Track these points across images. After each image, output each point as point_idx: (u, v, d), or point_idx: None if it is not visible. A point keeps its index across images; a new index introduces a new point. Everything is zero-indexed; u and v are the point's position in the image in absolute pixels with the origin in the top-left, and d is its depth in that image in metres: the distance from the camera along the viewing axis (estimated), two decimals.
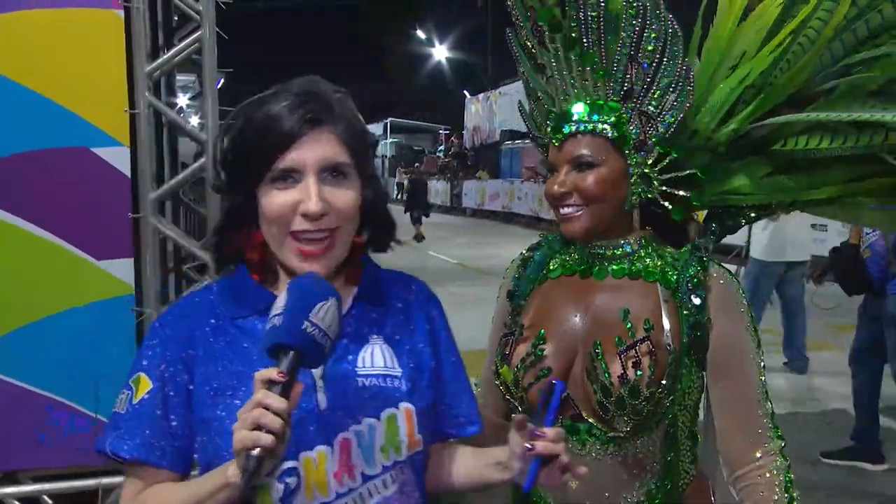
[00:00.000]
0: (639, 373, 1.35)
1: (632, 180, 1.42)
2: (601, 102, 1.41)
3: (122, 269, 2.97)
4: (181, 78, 3.38)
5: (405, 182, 19.24)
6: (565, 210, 1.42)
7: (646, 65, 1.38)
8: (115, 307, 2.95)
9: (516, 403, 1.45)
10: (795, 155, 1.43)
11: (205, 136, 3.02)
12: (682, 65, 1.37)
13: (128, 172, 2.96)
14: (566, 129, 1.42)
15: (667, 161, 1.41)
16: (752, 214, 1.52)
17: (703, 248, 1.46)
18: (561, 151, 1.43)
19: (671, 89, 1.38)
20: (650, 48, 1.37)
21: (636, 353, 1.36)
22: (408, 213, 16.99)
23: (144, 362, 1.20)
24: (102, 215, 2.93)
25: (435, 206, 27.30)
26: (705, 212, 1.54)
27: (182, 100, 8.03)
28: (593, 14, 1.38)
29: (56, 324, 2.89)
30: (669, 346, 1.37)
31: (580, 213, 1.41)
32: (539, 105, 1.53)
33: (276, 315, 1.06)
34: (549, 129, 1.45)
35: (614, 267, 1.45)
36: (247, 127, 1.17)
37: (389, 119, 36.86)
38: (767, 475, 1.39)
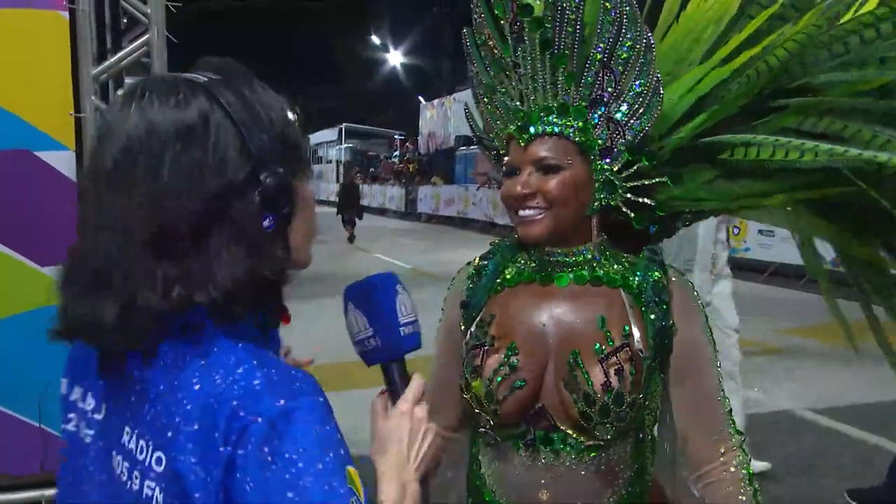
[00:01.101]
0: (621, 379, 1.36)
1: (596, 186, 1.41)
2: (570, 105, 1.41)
3: None
4: (131, 81, 3.32)
5: (337, 187, 19.32)
6: (526, 212, 1.40)
7: (618, 72, 1.38)
8: None
9: (489, 418, 1.43)
10: (741, 164, 1.44)
11: None
12: (654, 75, 1.38)
13: (73, 177, 2.91)
14: (532, 130, 1.41)
15: (634, 169, 1.41)
16: (689, 219, 1.54)
17: (659, 253, 1.48)
18: (525, 152, 1.41)
19: (641, 98, 1.38)
20: (623, 56, 1.37)
21: (618, 359, 1.37)
22: (339, 216, 17.58)
23: (342, 451, 0.90)
24: (46, 221, 2.87)
25: (389, 212, 27.36)
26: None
27: None
28: (570, 17, 1.38)
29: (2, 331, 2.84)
30: (642, 352, 1.39)
31: (541, 216, 1.40)
32: (493, 106, 1.51)
33: (366, 337, 1.09)
34: (513, 129, 1.44)
35: (575, 274, 1.44)
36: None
37: (344, 124, 36.78)
38: (732, 470, 1.42)
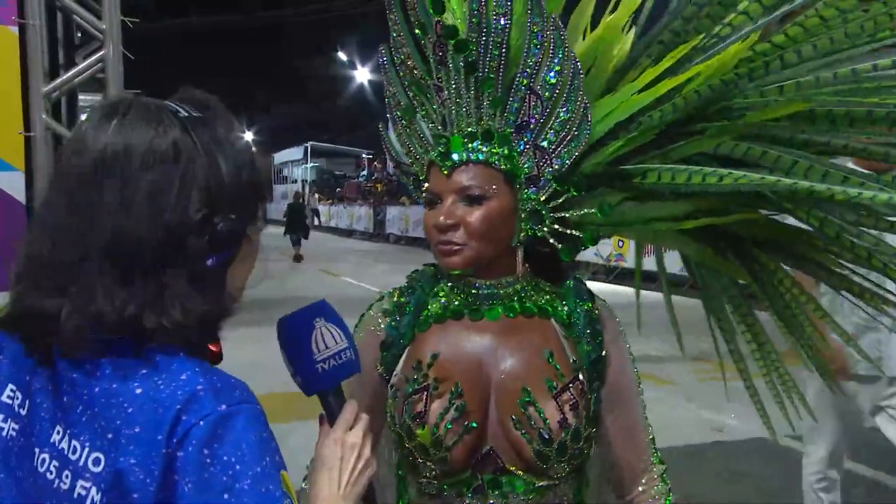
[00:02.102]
0: (577, 415, 1.35)
1: (521, 216, 1.39)
2: (495, 131, 1.38)
3: None
4: (87, 98, 3.25)
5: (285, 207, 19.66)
6: (448, 244, 1.37)
7: (545, 98, 1.37)
8: None
9: (434, 467, 1.39)
10: (655, 188, 1.44)
11: None
12: (582, 102, 1.37)
13: (23, 200, 2.85)
14: (456, 157, 1.38)
15: (562, 199, 1.40)
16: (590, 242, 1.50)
17: (582, 281, 1.48)
18: (449, 180, 1.38)
19: (569, 125, 1.37)
20: (551, 81, 1.36)
21: (571, 394, 1.36)
22: (287, 236, 18.09)
23: (277, 458, 0.97)
24: None
25: (357, 233, 27.29)
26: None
27: None
28: (496, 40, 1.36)
29: None
30: (583, 383, 1.38)
31: (463, 248, 1.36)
32: (412, 130, 1.49)
33: (292, 374, 1.11)
34: (436, 156, 1.40)
35: (506, 306, 1.42)
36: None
37: (310, 143, 36.71)
38: (651, 500, 1.46)
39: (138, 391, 0.92)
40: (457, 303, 1.44)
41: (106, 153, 0.93)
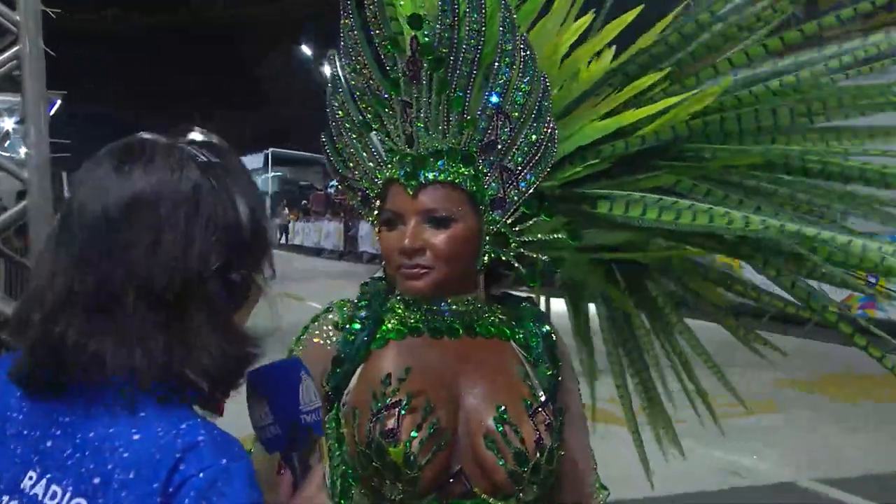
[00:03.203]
0: (552, 435, 1.45)
1: (486, 239, 1.49)
2: (459, 151, 1.47)
3: None
4: (4, 99, 3.16)
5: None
6: (412, 268, 1.45)
7: (513, 118, 1.46)
8: None
9: (402, 488, 1.44)
10: (605, 217, 1.55)
11: (26, 174, 2.81)
12: (550, 124, 1.46)
13: None
14: (422, 177, 1.46)
15: (530, 223, 1.50)
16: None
17: (535, 303, 1.62)
18: (414, 201, 1.46)
19: (536, 147, 1.46)
20: (520, 102, 1.46)
21: (546, 414, 1.46)
22: None
23: None
24: None
25: (325, 252, 27.12)
26: None
27: (7, 123, 7.54)
28: (467, 56, 1.46)
29: None
30: (542, 405, 1.48)
31: (430, 271, 1.45)
32: (363, 144, 1.57)
33: (267, 425, 1.16)
34: (400, 174, 1.47)
35: (465, 325, 1.52)
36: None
37: (270, 150, 36.52)
38: None
39: (136, 437, 1.00)
40: (414, 319, 1.52)
41: (136, 197, 1.04)
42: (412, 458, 1.41)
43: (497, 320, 1.54)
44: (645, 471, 2.05)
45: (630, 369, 1.89)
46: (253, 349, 1.10)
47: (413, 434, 1.42)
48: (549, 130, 1.46)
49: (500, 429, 1.43)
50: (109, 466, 0.99)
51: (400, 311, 1.53)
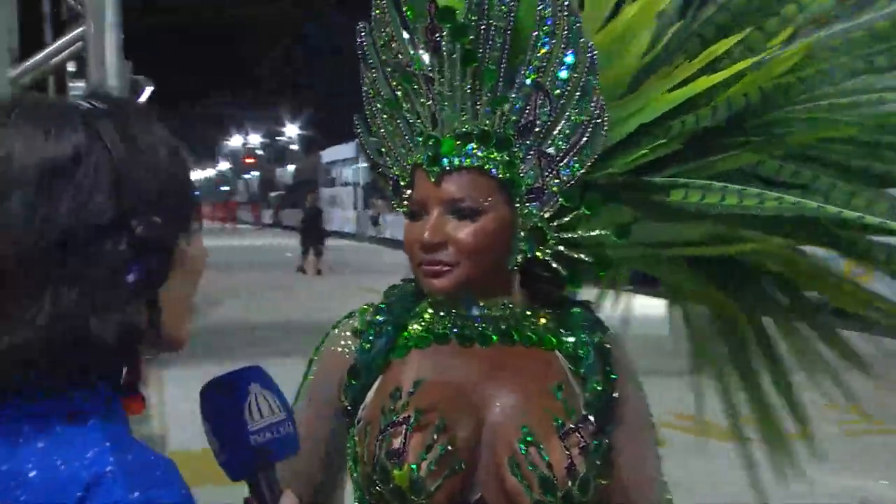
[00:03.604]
0: (587, 460, 1.34)
1: (520, 234, 1.39)
2: (493, 133, 1.38)
3: None
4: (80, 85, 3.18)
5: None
6: (433, 265, 1.36)
7: (554, 96, 1.36)
8: None
9: None
10: (681, 206, 1.45)
11: None
12: (598, 102, 1.35)
13: None
14: (445, 163, 1.37)
15: (569, 217, 1.39)
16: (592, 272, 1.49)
17: (593, 307, 1.51)
18: (437, 189, 1.37)
19: (581, 130, 1.36)
20: (563, 77, 1.35)
21: (581, 436, 1.34)
22: (305, 249, 18.76)
23: None
24: None
25: None
26: None
27: None
28: (499, 25, 1.36)
29: None
30: (593, 424, 1.37)
31: (452, 269, 1.36)
32: (394, 126, 1.48)
33: (216, 450, 1.05)
34: (423, 159, 1.39)
35: (501, 331, 1.42)
36: None
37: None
38: None
39: (32, 473, 0.89)
40: (442, 325, 1.44)
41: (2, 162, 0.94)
42: (419, 482, 1.34)
43: (541, 327, 1.44)
44: (757, 496, 1.85)
45: (738, 377, 1.73)
46: (139, 333, 0.95)
47: (422, 455, 1.34)
48: (597, 110, 1.35)
49: (525, 451, 1.34)
50: None
51: (427, 316, 1.45)
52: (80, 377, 0.93)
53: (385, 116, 1.49)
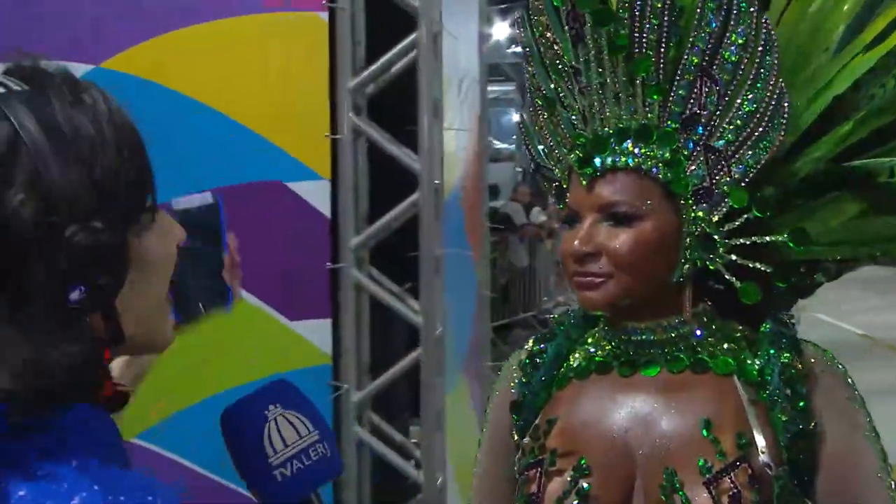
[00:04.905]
0: None
1: (686, 242, 1.28)
2: (653, 128, 1.28)
3: (318, 333, 2.94)
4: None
5: None
6: (585, 276, 1.27)
7: (722, 81, 1.26)
8: (310, 380, 2.90)
9: None
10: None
11: (418, 167, 2.91)
12: (776, 86, 1.24)
13: (328, 213, 2.93)
14: (598, 163, 1.28)
15: (742, 220, 1.26)
16: (833, 269, 1.37)
17: (791, 323, 1.33)
18: (590, 193, 1.28)
19: (756, 119, 1.25)
20: (733, 59, 1.25)
21: (732, 481, 1.23)
22: None
23: None
24: (297, 265, 2.94)
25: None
26: None
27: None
28: (656, 4, 1.25)
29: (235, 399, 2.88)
30: (770, 467, 1.23)
31: (606, 281, 1.27)
32: (554, 125, 1.40)
33: (251, 488, 0.99)
34: (573, 160, 1.31)
35: (670, 358, 1.31)
36: None
37: None
38: None
39: None
40: (604, 354, 1.36)
41: None
42: None
43: (721, 348, 1.32)
44: None
45: None
46: (88, 356, 0.85)
47: (557, 501, 1.28)
48: (775, 95, 1.24)
49: (669, 499, 1.25)
50: None
51: (591, 342, 1.39)
52: (53, 408, 0.85)
53: (545, 115, 1.42)
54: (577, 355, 1.40)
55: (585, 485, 1.29)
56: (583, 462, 1.30)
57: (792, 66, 1.33)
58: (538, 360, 1.41)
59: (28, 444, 0.84)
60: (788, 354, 1.29)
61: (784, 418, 1.27)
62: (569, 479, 1.30)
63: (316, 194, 2.90)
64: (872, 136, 1.32)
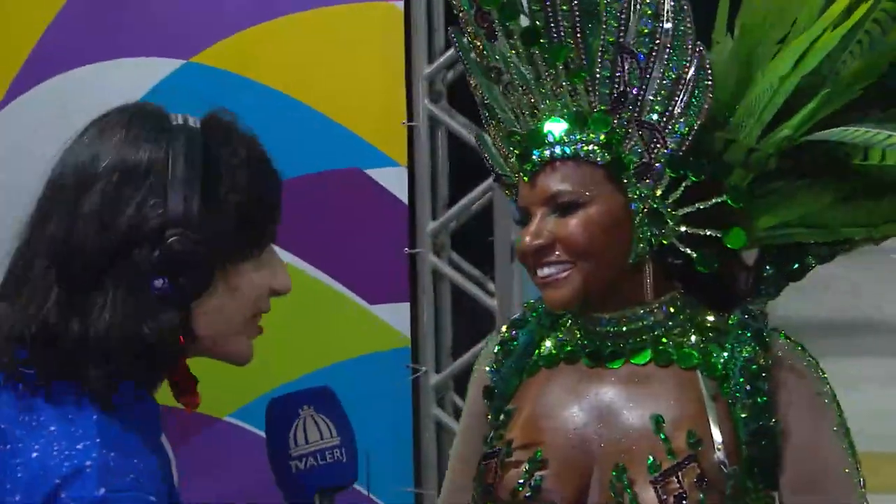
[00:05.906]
0: None
1: (636, 221, 1.27)
2: (584, 114, 1.28)
3: (397, 316, 2.98)
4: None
5: None
6: (545, 271, 1.27)
7: (642, 55, 1.25)
8: (389, 362, 2.97)
9: None
10: (885, 172, 1.30)
11: None
12: (694, 49, 1.24)
13: (405, 199, 2.99)
14: (537, 156, 1.28)
15: (681, 189, 1.26)
16: (825, 252, 1.36)
17: (758, 314, 1.31)
18: (534, 188, 1.29)
19: (681, 86, 1.24)
20: (646, 30, 1.25)
21: (678, 480, 1.22)
22: None
23: None
24: (376, 250, 3.00)
25: None
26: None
27: None
28: None
29: (320, 382, 2.96)
30: (725, 465, 1.22)
31: (566, 273, 1.26)
32: (497, 129, 1.39)
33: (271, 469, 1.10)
34: (513, 159, 1.32)
35: (635, 349, 1.31)
36: None
37: None
38: None
39: (35, 454, 0.98)
40: (573, 343, 1.36)
41: (69, 163, 1.05)
42: None
43: (687, 340, 1.30)
44: None
45: None
46: (172, 340, 1.02)
47: (511, 494, 1.30)
48: (694, 56, 1.24)
49: (619, 496, 1.25)
50: (7, 486, 0.99)
51: (561, 332, 1.39)
52: (114, 373, 1.00)
53: (493, 122, 1.42)
54: (547, 343, 1.40)
55: (539, 477, 1.29)
56: (538, 455, 1.30)
57: (755, 51, 1.34)
58: (509, 347, 1.41)
59: (77, 396, 1.01)
60: (750, 348, 1.27)
61: (744, 415, 1.26)
62: (524, 470, 1.29)
63: (394, 181, 2.96)
64: (840, 113, 1.31)
